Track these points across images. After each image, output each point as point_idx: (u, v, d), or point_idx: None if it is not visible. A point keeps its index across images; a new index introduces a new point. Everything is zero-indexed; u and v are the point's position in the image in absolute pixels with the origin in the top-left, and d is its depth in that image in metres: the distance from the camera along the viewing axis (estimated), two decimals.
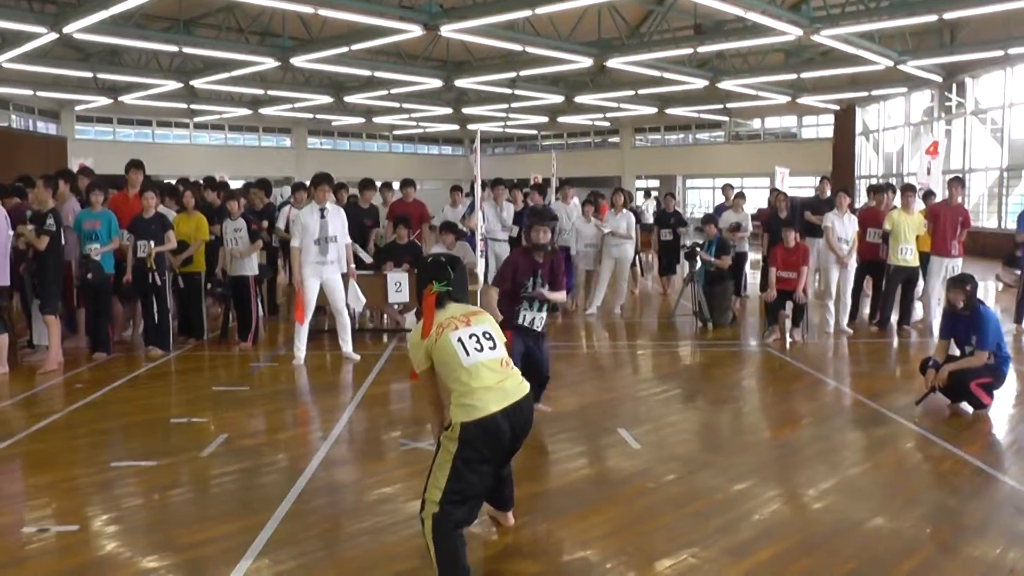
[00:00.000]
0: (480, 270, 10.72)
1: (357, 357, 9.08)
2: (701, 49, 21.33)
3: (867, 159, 30.62)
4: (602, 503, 4.99)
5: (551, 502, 4.92)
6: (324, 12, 16.13)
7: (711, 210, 15.71)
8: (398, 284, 10.24)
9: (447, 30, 17.86)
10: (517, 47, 20.44)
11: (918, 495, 5.20)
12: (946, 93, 25.62)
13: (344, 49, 19.79)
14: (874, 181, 27.97)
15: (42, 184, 8.63)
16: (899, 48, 21.00)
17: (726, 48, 22.22)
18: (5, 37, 19.50)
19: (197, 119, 34.40)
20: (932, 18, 17.98)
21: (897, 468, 5.86)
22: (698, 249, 11.52)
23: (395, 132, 42.11)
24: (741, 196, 13.30)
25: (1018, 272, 15.35)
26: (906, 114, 28.01)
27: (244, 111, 31.37)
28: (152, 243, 9.18)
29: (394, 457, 5.92)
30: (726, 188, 14.31)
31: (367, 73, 23.53)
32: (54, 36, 17.60)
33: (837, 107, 30.47)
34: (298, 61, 20.89)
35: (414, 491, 5.15)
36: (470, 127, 40.20)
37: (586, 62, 21.98)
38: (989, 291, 14.91)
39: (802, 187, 26.88)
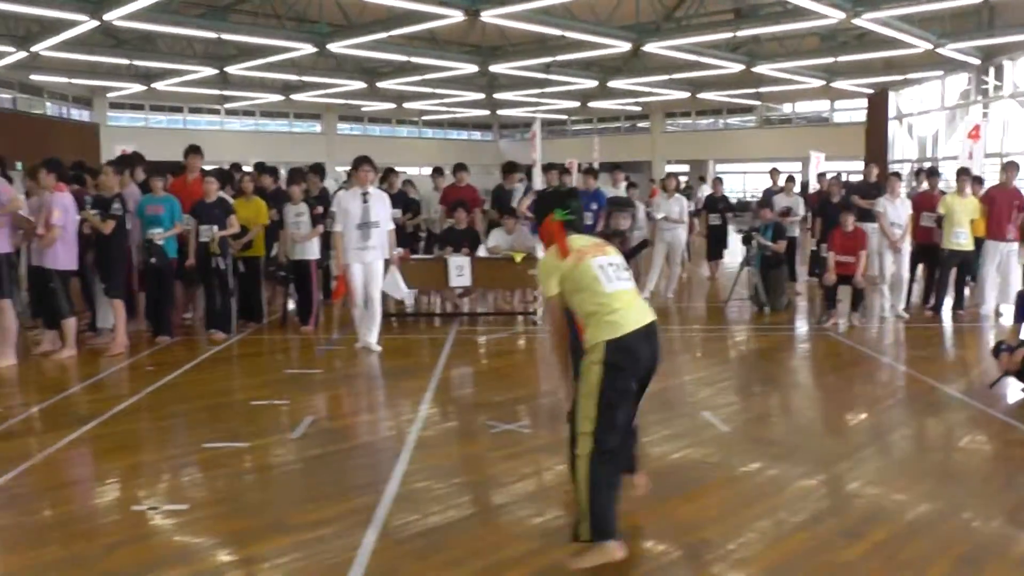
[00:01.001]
0: (540, 255, 10.65)
1: (378, 348, 8.81)
2: (740, 33, 21.15)
3: (900, 143, 30.33)
4: (709, 484, 4.98)
5: (658, 482, 4.90)
6: None
7: (757, 195, 15.61)
8: (460, 268, 10.23)
9: (488, 15, 17.80)
10: (556, 32, 20.34)
11: (1011, 480, 5.17)
12: (983, 76, 25.31)
13: (383, 35, 19.77)
14: (908, 166, 27.80)
15: (112, 170, 8.67)
16: (938, 30, 20.77)
17: (764, 32, 22.03)
18: (44, 25, 19.60)
19: (228, 105, 34.48)
20: (975, 0, 17.81)
21: (982, 453, 5.83)
22: (754, 234, 11.46)
23: (424, 118, 42.07)
24: (791, 180, 13.21)
25: None
26: (941, 97, 27.72)
27: (276, 97, 31.42)
28: (215, 228, 9.22)
29: (487, 440, 5.92)
30: (773, 172, 14.23)
31: (403, 59, 23.49)
32: (94, 24, 17.67)
33: (870, 91, 30.17)
34: (335, 47, 20.88)
35: (516, 472, 5.23)
36: (500, 112, 40.15)
37: (624, 46, 21.87)
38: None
39: (834, 172, 26.67)
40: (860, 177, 14.46)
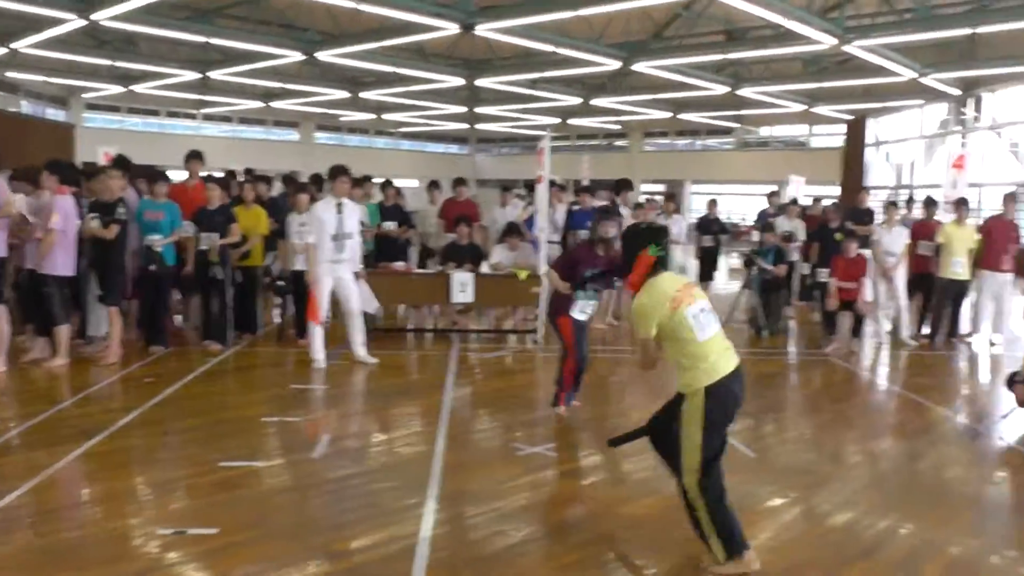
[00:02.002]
0: (543, 272, 10.53)
1: (373, 361, 8.70)
2: (731, 55, 21.24)
3: (878, 170, 30.65)
4: (750, 513, 4.86)
5: None
6: (362, 7, 15.89)
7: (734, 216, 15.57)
8: (463, 285, 10.05)
9: (483, 29, 17.69)
10: (546, 47, 20.25)
11: None
12: (962, 107, 25.67)
13: (374, 45, 19.58)
14: (884, 193, 28.05)
15: (119, 173, 8.41)
16: (922, 60, 21.01)
17: (752, 56, 22.13)
18: (27, 21, 19.15)
19: (206, 110, 34.02)
20: (962, 31, 18.02)
21: (1010, 485, 5.81)
22: (756, 257, 11.41)
23: (402, 129, 41.85)
24: (795, 203, 13.20)
25: None
26: (920, 126, 28.07)
27: (256, 104, 31.02)
28: (216, 236, 8.99)
29: (516, 463, 5.76)
30: (772, 196, 14.21)
31: (390, 70, 23.28)
32: (81, 23, 17.30)
33: (849, 117, 30.48)
34: (324, 56, 20.65)
35: (555, 497, 5.10)
36: (479, 126, 40.04)
37: (614, 64, 21.85)
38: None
39: (811, 196, 26.83)
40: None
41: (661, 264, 4.20)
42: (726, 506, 4.07)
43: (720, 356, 4.09)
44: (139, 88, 27.56)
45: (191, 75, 24.38)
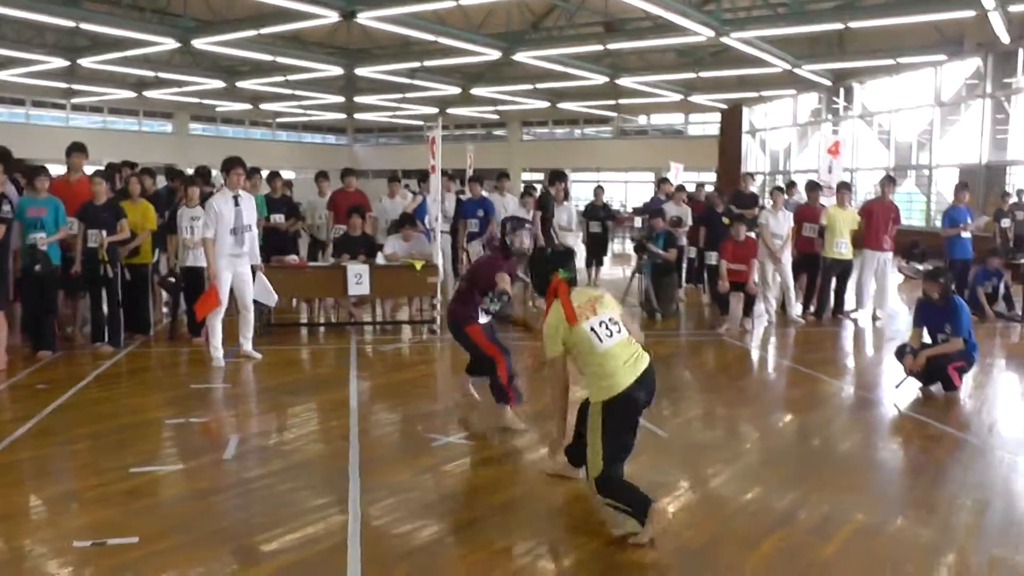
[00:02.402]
0: (439, 262, 10.53)
1: (258, 356, 8.54)
2: (611, 46, 21.61)
3: (754, 156, 31.77)
4: (664, 492, 4.99)
5: None
6: None
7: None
8: (358, 276, 9.93)
9: (364, 17, 17.48)
10: (427, 36, 20.17)
11: (941, 473, 5.45)
12: (833, 97, 26.88)
13: (252, 32, 19.08)
14: (760, 179, 29.13)
15: None
16: (795, 52, 21.91)
17: (630, 47, 22.59)
18: None
19: (75, 100, 32.47)
20: (833, 26, 18.93)
21: (906, 450, 6.16)
22: (647, 242, 11.67)
23: (279, 120, 40.95)
24: (681, 190, 13.56)
25: (919, 266, 16.35)
26: (793, 114, 29.26)
27: (127, 93, 29.79)
28: (104, 232, 8.61)
29: (432, 453, 5.75)
30: (663, 183, 14.55)
31: (268, 58, 22.75)
32: None
33: (724, 106, 31.48)
34: (200, 43, 20.01)
35: (477, 486, 5.14)
36: (356, 116, 39.53)
37: (494, 54, 21.93)
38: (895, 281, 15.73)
39: (690, 182, 27.64)
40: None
41: (571, 285, 4.56)
42: (625, 484, 4.33)
43: (620, 368, 4.37)
44: (2, 75, 26.06)
45: (59, 62, 23.21)
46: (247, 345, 8.58)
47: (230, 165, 8.28)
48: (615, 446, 4.35)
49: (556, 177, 12.91)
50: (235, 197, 8.22)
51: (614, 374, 4.35)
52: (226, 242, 8.17)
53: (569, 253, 4.77)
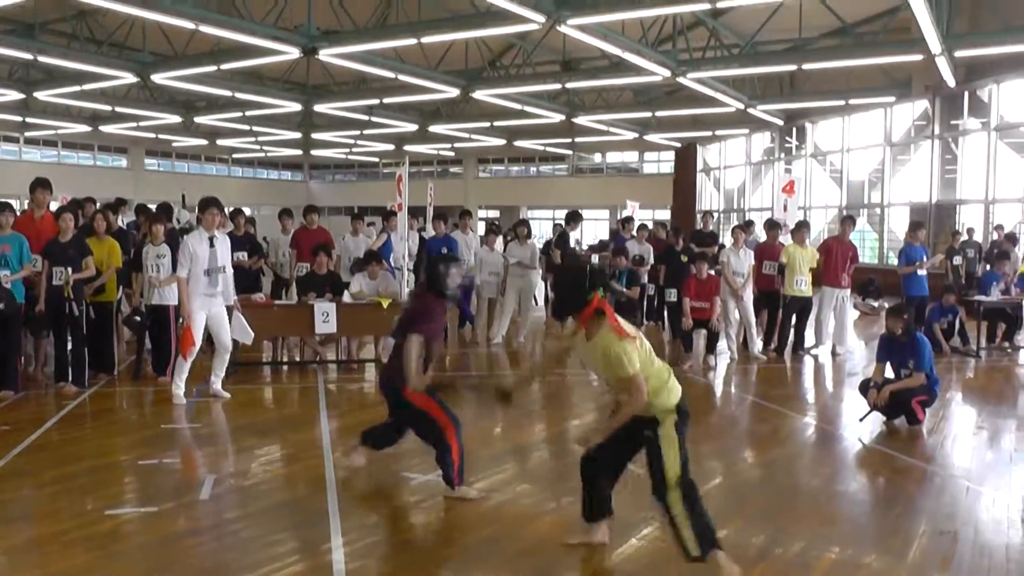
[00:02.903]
0: (404, 300, 10.55)
1: (227, 395, 8.43)
2: (569, 85, 21.93)
3: (708, 194, 32.32)
4: (642, 525, 5.04)
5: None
6: (203, 28, 15.41)
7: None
8: (325, 315, 9.90)
9: (325, 54, 17.54)
10: (386, 73, 20.27)
11: (910, 505, 5.58)
12: (786, 136, 27.54)
13: (211, 68, 19.02)
14: (716, 216, 29.65)
15: None
16: (748, 92, 22.44)
17: (587, 86, 22.95)
18: None
19: (29, 133, 32.02)
20: (786, 67, 19.46)
21: (876, 483, 6.30)
22: (610, 280, 11.79)
23: (235, 156, 40.72)
24: (644, 228, 13.76)
25: (874, 303, 16.72)
26: (747, 153, 29.87)
27: (82, 127, 29.42)
28: (70, 270, 8.51)
29: (411, 491, 5.77)
30: (626, 221, 14.74)
31: (227, 93, 22.67)
32: None
33: (678, 145, 32.02)
34: (158, 78, 19.90)
35: (459, 524, 5.12)
36: (313, 152, 39.46)
37: (452, 92, 22.11)
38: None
39: (646, 220, 28.03)
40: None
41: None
42: (706, 515, 4.30)
43: (672, 377, 4.43)
44: None
45: (13, 95, 22.90)
46: (217, 384, 8.49)
47: (205, 205, 8.23)
48: (686, 453, 4.34)
49: (572, 218, 13.08)
50: (211, 238, 8.16)
51: (675, 380, 4.43)
52: (200, 282, 8.10)
53: (604, 271, 4.59)
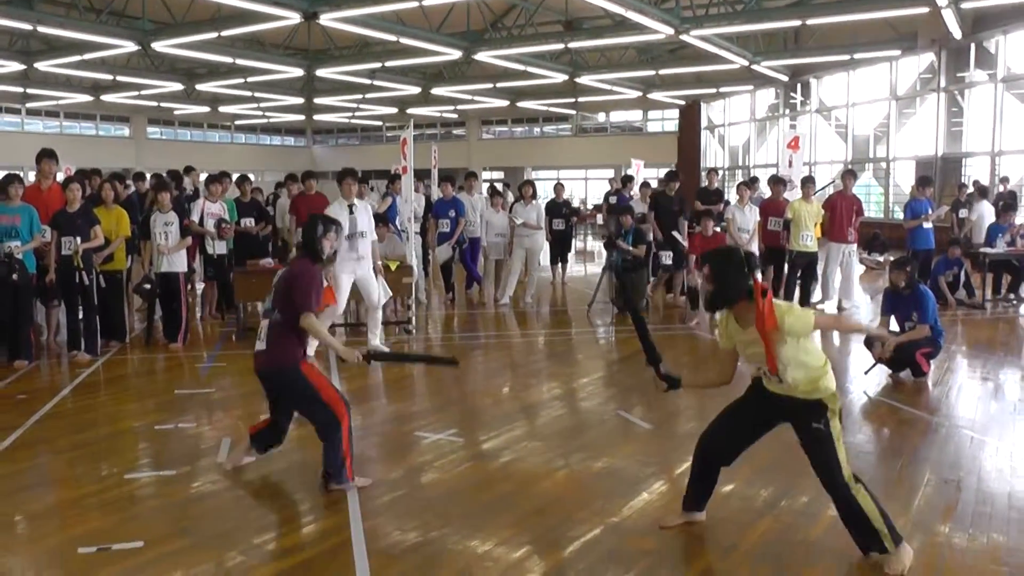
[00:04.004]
0: (413, 262, 10.63)
1: (386, 349, 9.05)
2: (572, 45, 21.80)
3: (712, 152, 32.19)
4: (655, 480, 5.13)
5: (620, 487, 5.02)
6: None
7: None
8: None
9: (326, 18, 17.47)
10: (388, 37, 20.19)
11: (916, 455, 5.67)
12: (791, 92, 27.35)
13: (212, 35, 18.96)
14: (720, 174, 29.58)
15: None
16: (753, 49, 22.27)
17: (590, 45, 22.80)
18: None
19: (31, 104, 31.97)
20: (790, 23, 19.31)
21: (882, 434, 6.39)
22: (617, 239, 11.83)
23: (237, 122, 40.61)
24: (646, 186, 13.75)
25: (880, 257, 16.73)
26: (751, 110, 29.70)
27: (84, 97, 29.37)
28: (79, 239, 8.57)
29: (424, 450, 5.88)
30: (627, 179, 14.73)
31: (228, 60, 22.60)
32: None
33: (682, 103, 31.83)
34: (159, 46, 19.85)
35: (472, 482, 5.22)
36: (315, 117, 39.34)
37: (455, 54, 22.01)
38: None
39: (652, 178, 27.96)
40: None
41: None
42: (885, 511, 4.10)
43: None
44: None
45: (14, 65, 22.86)
46: (375, 340, 9.09)
47: (343, 176, 8.84)
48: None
49: (671, 177, 13.03)
50: (350, 206, 8.71)
51: (830, 366, 4.17)
52: (343, 247, 8.32)
53: (751, 255, 4.16)
